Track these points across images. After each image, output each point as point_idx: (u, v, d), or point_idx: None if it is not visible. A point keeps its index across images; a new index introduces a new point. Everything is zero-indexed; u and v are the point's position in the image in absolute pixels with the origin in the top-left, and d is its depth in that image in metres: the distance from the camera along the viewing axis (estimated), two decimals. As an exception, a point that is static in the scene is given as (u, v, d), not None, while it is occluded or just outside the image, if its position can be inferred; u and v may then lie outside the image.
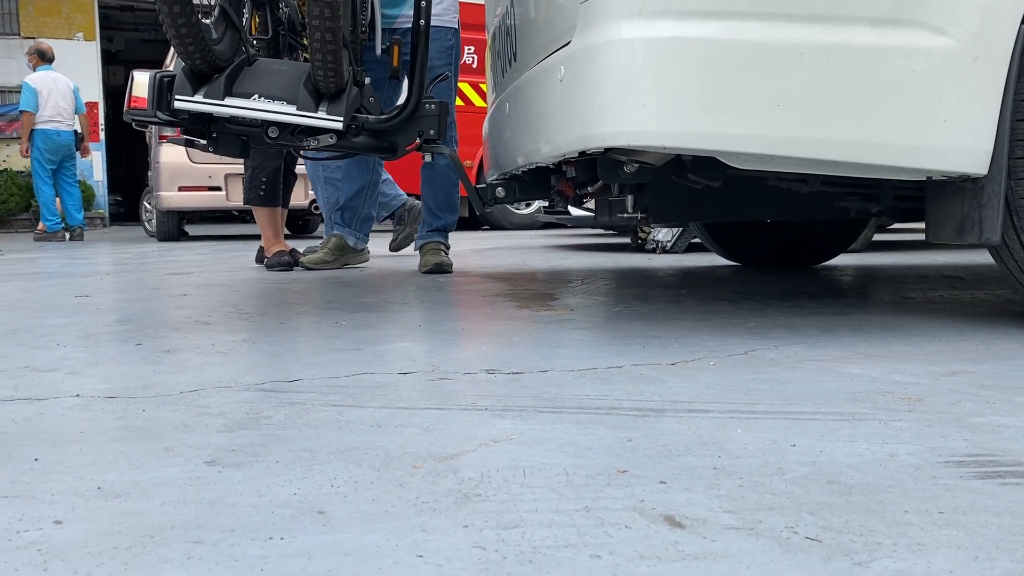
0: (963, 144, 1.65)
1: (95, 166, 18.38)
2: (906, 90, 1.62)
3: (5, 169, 17.13)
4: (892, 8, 1.61)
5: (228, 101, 1.89)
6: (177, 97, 1.89)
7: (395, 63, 2.47)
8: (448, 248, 3.53)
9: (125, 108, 1.95)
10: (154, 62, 16.79)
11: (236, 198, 7.54)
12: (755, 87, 1.60)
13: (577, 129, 1.76)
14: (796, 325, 1.92)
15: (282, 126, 2.12)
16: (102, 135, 18.33)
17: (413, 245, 3.59)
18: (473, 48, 8.39)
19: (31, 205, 16.27)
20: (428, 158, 2.72)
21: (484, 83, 8.24)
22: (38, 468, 0.92)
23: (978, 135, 1.64)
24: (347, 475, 0.89)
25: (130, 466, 0.92)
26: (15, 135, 17.49)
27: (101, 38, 16.30)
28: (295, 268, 3.64)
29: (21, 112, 8.40)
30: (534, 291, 2.71)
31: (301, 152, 2.94)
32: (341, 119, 1.91)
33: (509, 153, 2.47)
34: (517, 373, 1.42)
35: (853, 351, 1.59)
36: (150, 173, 9.52)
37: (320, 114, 1.91)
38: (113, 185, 19.35)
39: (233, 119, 2.04)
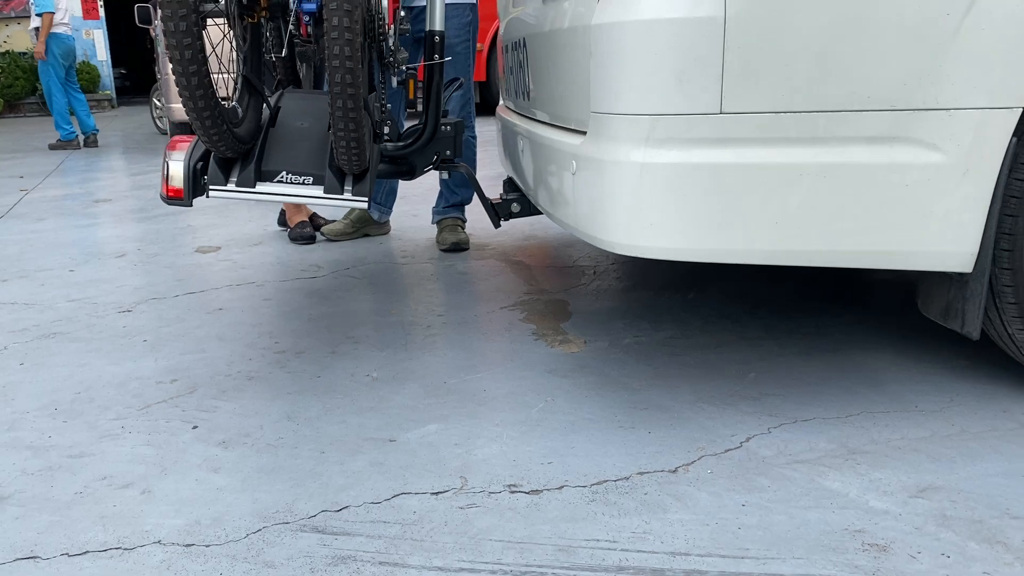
0: (951, 248, 1.76)
1: (97, 45, 18.08)
2: (899, 203, 1.72)
3: (7, 51, 16.87)
4: (889, 127, 1.68)
5: (259, 188, 2.00)
6: (212, 188, 2.00)
7: (411, 96, 2.53)
8: (465, 222, 3.65)
9: (162, 194, 2.06)
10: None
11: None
12: (755, 207, 1.71)
13: (587, 229, 1.87)
14: (792, 375, 2.09)
15: None
16: (101, 12, 17.92)
17: (431, 219, 3.71)
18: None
19: (36, 88, 16.17)
20: (445, 175, 2.81)
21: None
22: None
23: (965, 239, 1.75)
24: None
25: None
26: (12, 14, 17.16)
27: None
28: (316, 239, 3.78)
29: (41, 14, 8.27)
30: (548, 298, 2.86)
31: None
32: (366, 199, 2.02)
33: (524, 182, 2.57)
34: (536, 492, 1.61)
35: (840, 445, 1.76)
36: (157, 68, 9.44)
37: (346, 195, 2.02)
38: (116, 58, 19.08)
39: None
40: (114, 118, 14.97)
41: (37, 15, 8.32)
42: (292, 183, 2.05)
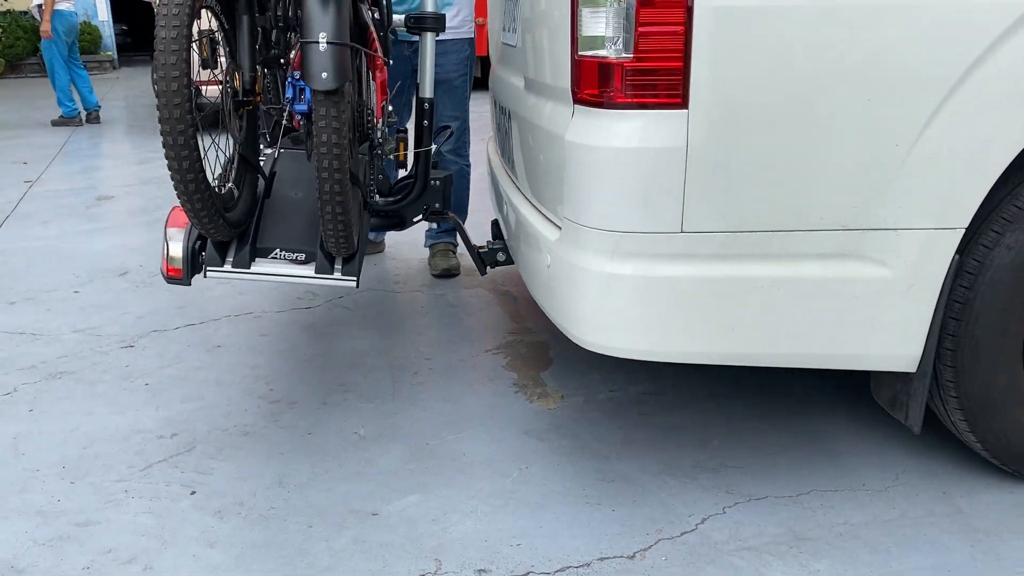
0: (896, 352, 1.89)
1: (99, 5, 17.95)
2: (848, 313, 1.84)
3: (8, 11, 16.76)
4: (840, 245, 1.80)
5: (254, 267, 2.13)
6: (209, 269, 2.13)
7: (401, 157, 2.64)
8: (456, 247, 3.77)
9: (162, 272, 2.18)
10: None
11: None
12: (712, 316, 1.83)
13: (560, 320, 2.00)
14: (753, 442, 2.24)
15: None
16: (102, -30, 17.75)
17: (424, 241, 3.82)
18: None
19: (38, 49, 16.10)
20: (434, 225, 2.92)
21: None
22: None
23: (909, 344, 1.88)
24: None
25: None
26: (6, -29, 16.96)
27: None
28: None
29: None
30: (532, 339, 2.99)
31: None
32: (355, 278, 2.14)
33: (508, 236, 2.69)
34: (504, 578, 1.77)
35: (787, 529, 1.91)
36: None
37: (336, 275, 2.14)
38: (117, 13, 18.94)
39: None
40: (116, 81, 14.98)
41: (40, -8, 8.34)
42: (285, 260, 2.17)
